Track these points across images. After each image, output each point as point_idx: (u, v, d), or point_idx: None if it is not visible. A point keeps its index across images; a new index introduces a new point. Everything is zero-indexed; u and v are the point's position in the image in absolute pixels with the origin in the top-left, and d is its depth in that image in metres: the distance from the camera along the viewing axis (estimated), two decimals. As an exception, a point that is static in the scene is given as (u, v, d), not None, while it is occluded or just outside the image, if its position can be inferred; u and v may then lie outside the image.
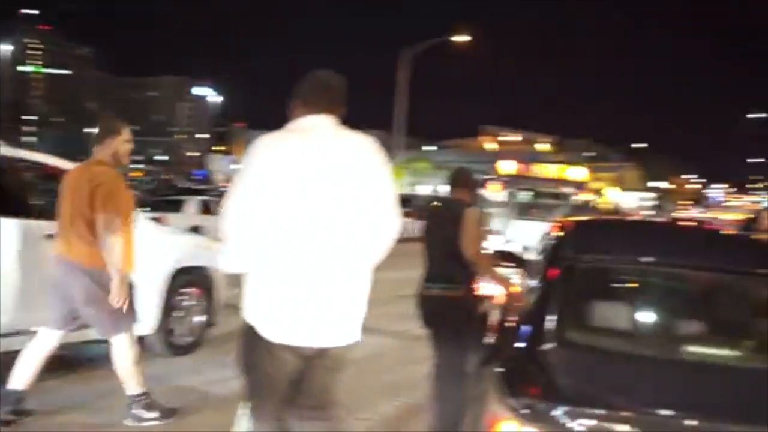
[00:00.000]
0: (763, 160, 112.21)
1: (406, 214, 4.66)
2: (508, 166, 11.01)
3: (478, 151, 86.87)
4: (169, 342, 6.47)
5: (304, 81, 2.95)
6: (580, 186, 11.28)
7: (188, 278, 6.70)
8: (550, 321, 3.12)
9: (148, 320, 6.10)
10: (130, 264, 4.58)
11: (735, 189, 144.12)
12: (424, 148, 68.21)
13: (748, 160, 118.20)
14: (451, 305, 4.53)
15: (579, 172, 11.29)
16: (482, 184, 11.10)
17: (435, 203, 5.45)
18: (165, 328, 6.37)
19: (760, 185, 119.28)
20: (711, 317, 3.44)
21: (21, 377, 4.49)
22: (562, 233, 4.16)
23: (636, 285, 3.80)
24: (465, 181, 4.99)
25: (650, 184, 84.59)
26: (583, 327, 3.25)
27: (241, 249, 2.77)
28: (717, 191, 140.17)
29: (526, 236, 6.82)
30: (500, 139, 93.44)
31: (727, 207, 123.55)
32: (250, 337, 2.85)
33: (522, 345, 3.15)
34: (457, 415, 4.04)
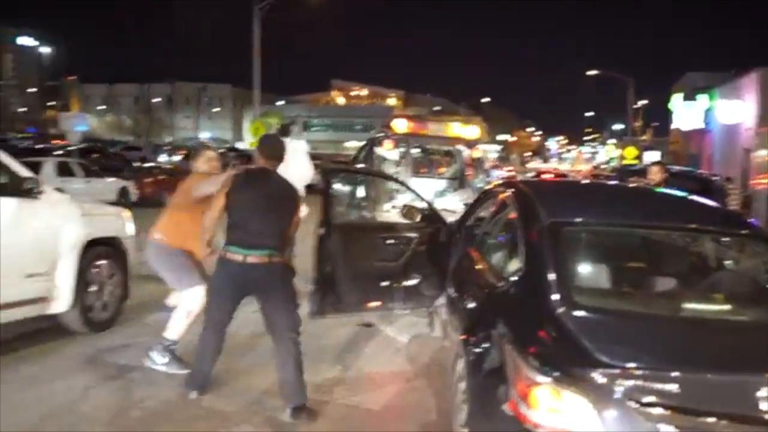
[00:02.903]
0: (593, 113, 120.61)
1: None
2: (401, 125, 10.99)
3: (327, 106, 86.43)
4: (88, 319, 6.06)
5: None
6: (472, 144, 11.47)
7: (101, 250, 6.28)
8: (553, 285, 3.17)
9: (63, 297, 5.74)
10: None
11: (567, 141, 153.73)
12: (278, 103, 67.12)
13: (586, 114, 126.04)
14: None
15: (471, 131, 11.49)
16: (379, 142, 11.06)
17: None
18: (82, 304, 5.96)
19: (594, 136, 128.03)
20: (695, 274, 3.69)
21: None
22: (521, 195, 4.21)
23: (620, 246, 3.96)
24: None
25: (498, 137, 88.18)
26: (584, 289, 3.34)
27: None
28: (554, 143, 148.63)
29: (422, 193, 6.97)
30: (351, 93, 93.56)
31: (562, 158, 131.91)
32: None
33: (532, 310, 3.18)
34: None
